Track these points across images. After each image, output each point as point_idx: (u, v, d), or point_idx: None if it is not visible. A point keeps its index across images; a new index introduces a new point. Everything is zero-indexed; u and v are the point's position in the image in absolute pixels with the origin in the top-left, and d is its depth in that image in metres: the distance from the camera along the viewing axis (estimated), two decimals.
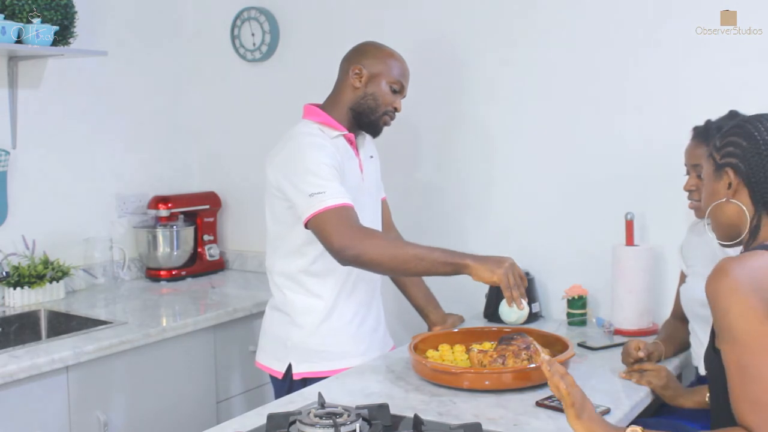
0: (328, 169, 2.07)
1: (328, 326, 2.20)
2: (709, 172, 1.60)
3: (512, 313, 2.01)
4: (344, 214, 2.01)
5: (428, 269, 2.01)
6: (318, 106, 2.26)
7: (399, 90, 2.25)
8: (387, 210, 2.49)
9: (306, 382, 2.11)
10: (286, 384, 2.20)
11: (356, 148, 2.27)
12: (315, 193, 2.02)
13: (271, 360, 2.26)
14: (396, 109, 2.26)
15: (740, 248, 1.58)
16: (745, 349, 1.37)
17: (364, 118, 2.24)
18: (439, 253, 1.99)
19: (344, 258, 2.00)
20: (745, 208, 1.52)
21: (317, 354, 2.18)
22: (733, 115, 1.91)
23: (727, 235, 1.58)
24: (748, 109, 1.88)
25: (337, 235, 1.99)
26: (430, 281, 2.48)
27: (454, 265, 1.97)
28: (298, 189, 2.06)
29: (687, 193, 2.09)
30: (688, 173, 2.10)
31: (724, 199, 1.55)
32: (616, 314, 2.43)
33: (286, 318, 2.23)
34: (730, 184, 1.54)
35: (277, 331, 2.25)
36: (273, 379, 2.27)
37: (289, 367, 2.20)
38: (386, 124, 2.27)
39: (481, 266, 1.95)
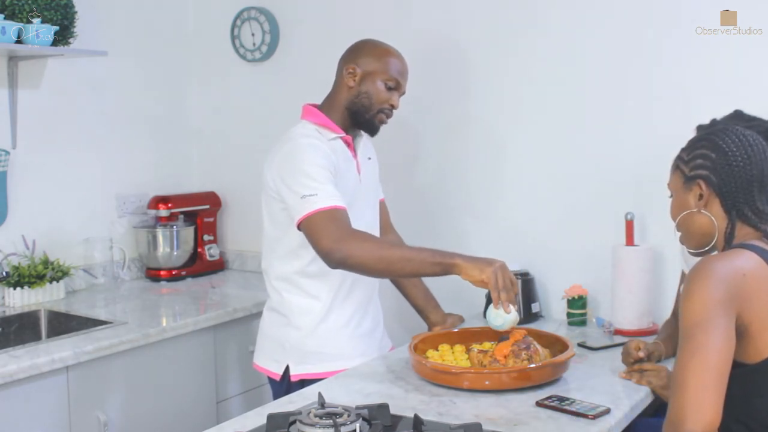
0: (322, 171, 2.06)
1: (326, 327, 2.19)
2: (678, 184, 1.70)
3: (498, 316, 1.94)
4: (334, 216, 2.00)
5: (417, 270, 2.00)
6: (316, 106, 2.26)
7: (395, 87, 2.24)
8: (385, 211, 2.48)
9: (304, 383, 2.10)
10: (284, 385, 2.19)
11: (354, 150, 2.26)
12: (307, 195, 2.01)
13: (269, 362, 2.26)
14: (393, 107, 2.25)
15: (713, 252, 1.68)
16: (691, 325, 1.45)
17: (359, 117, 2.23)
18: (427, 254, 1.98)
19: (332, 260, 1.99)
20: (714, 219, 1.63)
21: (315, 355, 2.18)
22: (738, 114, 1.91)
23: (699, 244, 1.70)
24: (748, 110, 1.89)
25: (325, 237, 1.98)
26: (429, 282, 2.48)
27: (442, 264, 1.96)
28: (291, 190, 2.06)
29: None
30: None
31: (695, 210, 1.65)
32: (616, 314, 2.43)
33: (284, 319, 2.23)
34: (701, 195, 1.65)
35: (275, 333, 2.25)
36: (271, 380, 2.27)
37: (287, 368, 2.20)
38: (382, 122, 2.27)
39: (470, 265, 1.94)
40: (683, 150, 1.71)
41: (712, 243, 1.66)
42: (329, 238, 1.98)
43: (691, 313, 1.46)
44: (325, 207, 2.00)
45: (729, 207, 1.62)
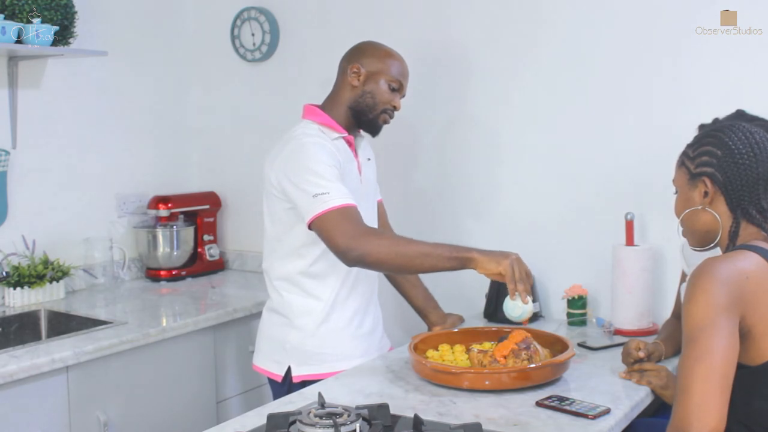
0: (331, 170, 2.06)
1: (327, 328, 2.19)
2: (682, 181, 1.69)
3: (516, 307, 1.95)
4: (348, 214, 2.01)
5: (434, 265, 2.00)
6: (317, 106, 2.26)
7: (397, 88, 2.25)
8: (383, 211, 2.49)
9: (305, 384, 2.09)
10: (285, 387, 2.19)
11: (355, 150, 2.26)
12: (319, 194, 2.01)
13: (270, 363, 2.25)
14: (395, 108, 2.26)
15: (716, 250, 1.66)
16: (695, 329, 1.43)
17: (362, 117, 2.24)
18: (444, 249, 1.99)
19: (349, 259, 1.99)
20: (719, 217, 1.62)
21: (316, 356, 2.18)
22: (740, 114, 1.91)
23: (701, 241, 1.69)
24: (748, 110, 1.88)
25: (341, 235, 1.98)
26: (429, 281, 2.48)
27: (459, 259, 1.97)
28: (300, 189, 2.05)
29: None
30: None
31: (699, 207, 1.64)
32: (616, 314, 2.43)
33: (284, 320, 2.22)
34: (706, 193, 1.63)
35: (275, 334, 2.25)
36: (272, 382, 2.27)
37: (288, 369, 2.19)
38: (385, 122, 2.27)
39: (486, 258, 1.95)
40: (689, 146, 1.70)
41: (716, 241, 1.65)
42: (345, 236, 1.98)
43: (694, 317, 1.45)
44: (338, 205, 2.00)
45: (734, 206, 1.61)
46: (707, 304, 1.44)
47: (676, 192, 1.73)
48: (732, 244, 1.61)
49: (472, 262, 1.96)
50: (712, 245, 1.66)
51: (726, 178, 1.60)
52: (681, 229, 1.73)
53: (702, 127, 2.09)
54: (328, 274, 2.17)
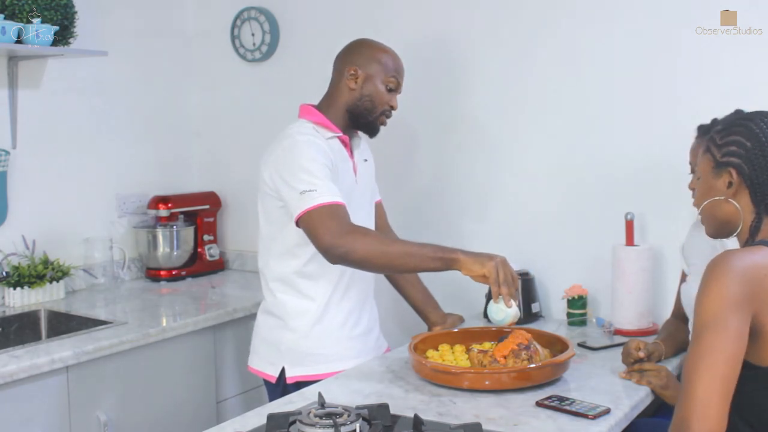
0: (321, 168, 2.06)
1: (321, 329, 2.19)
2: (707, 169, 1.61)
3: (499, 311, 1.94)
4: (335, 211, 2.00)
5: (418, 265, 2.00)
6: (314, 106, 2.26)
7: (395, 88, 2.25)
8: (382, 212, 2.48)
9: (300, 385, 2.09)
10: (280, 388, 2.19)
11: (350, 150, 2.26)
12: (306, 191, 2.01)
13: (264, 364, 2.25)
14: (392, 108, 2.26)
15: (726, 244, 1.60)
16: (702, 324, 1.40)
17: (361, 119, 2.23)
18: (429, 249, 1.98)
19: (333, 256, 1.99)
20: (741, 209, 1.55)
21: (310, 357, 2.18)
22: (738, 114, 1.90)
23: (720, 231, 1.63)
24: (748, 110, 1.88)
25: (326, 232, 1.98)
26: (429, 281, 2.48)
27: (443, 260, 1.96)
28: (290, 186, 2.05)
29: (690, 192, 2.08)
30: (692, 172, 2.09)
31: (722, 198, 1.57)
32: (616, 314, 2.43)
33: (279, 321, 2.22)
34: (730, 183, 1.56)
35: (270, 335, 2.25)
36: (267, 383, 2.27)
37: (282, 370, 2.19)
38: (383, 123, 2.27)
39: (471, 260, 1.94)
40: (716, 132, 1.62)
41: (735, 233, 1.59)
42: (330, 234, 1.97)
43: (705, 311, 1.41)
44: (324, 203, 2.00)
45: (758, 200, 1.54)
46: (719, 296, 1.40)
47: (698, 178, 1.65)
48: (752, 239, 1.55)
49: (457, 263, 1.95)
50: (730, 237, 1.61)
51: (753, 171, 1.53)
52: (700, 216, 1.66)
53: (701, 128, 2.09)
54: (323, 275, 2.16)
